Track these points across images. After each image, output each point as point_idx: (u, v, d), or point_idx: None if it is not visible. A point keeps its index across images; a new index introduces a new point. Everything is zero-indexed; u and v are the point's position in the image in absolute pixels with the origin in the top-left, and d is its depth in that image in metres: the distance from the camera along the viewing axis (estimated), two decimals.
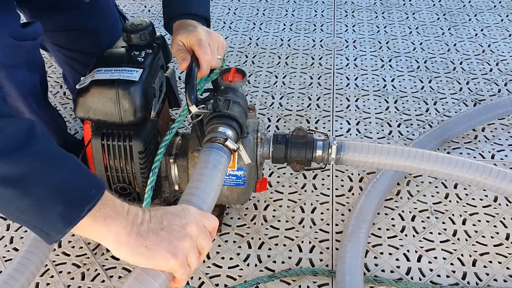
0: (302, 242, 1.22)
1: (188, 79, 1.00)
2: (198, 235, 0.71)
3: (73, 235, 1.25)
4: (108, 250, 1.21)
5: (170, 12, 1.11)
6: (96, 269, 1.18)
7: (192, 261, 0.70)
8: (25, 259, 1.02)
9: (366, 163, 1.09)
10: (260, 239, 1.23)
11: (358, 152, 1.08)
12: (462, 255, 1.18)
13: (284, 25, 2.08)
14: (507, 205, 1.29)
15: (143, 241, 0.68)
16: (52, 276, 1.16)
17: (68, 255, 1.21)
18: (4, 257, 1.21)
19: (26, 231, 1.27)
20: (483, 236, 1.22)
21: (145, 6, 2.23)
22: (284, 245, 1.22)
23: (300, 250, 1.20)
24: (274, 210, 1.30)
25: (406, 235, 1.23)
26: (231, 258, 1.19)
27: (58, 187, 0.65)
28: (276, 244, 1.22)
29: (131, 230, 0.68)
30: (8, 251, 1.22)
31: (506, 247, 1.19)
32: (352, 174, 1.39)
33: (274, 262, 1.18)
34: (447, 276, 1.14)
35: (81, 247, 1.23)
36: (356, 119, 1.58)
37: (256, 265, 1.18)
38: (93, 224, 0.67)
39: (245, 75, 1.13)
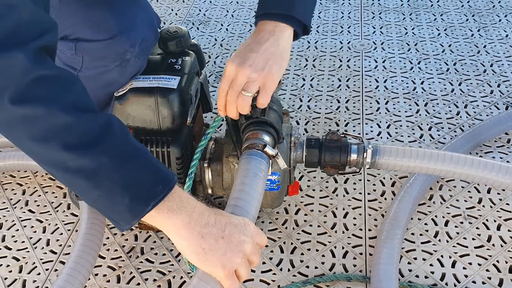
0: (335, 247, 1.22)
1: None
2: (251, 253, 0.74)
3: (108, 237, 1.27)
4: (142, 253, 1.23)
5: (258, 10, 0.96)
6: (131, 272, 1.19)
7: (242, 274, 0.74)
8: (76, 264, 1.08)
9: (402, 167, 1.09)
10: (292, 243, 1.24)
11: (394, 156, 1.08)
12: (497, 261, 1.17)
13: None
14: None
15: (202, 242, 0.71)
16: (89, 279, 1.18)
17: (103, 257, 1.23)
18: (41, 259, 1.24)
19: (62, 233, 1.29)
20: None
21: (172, 10, 2.25)
22: (317, 250, 1.22)
23: (333, 256, 1.20)
24: (306, 214, 1.31)
25: (439, 240, 1.23)
26: (263, 263, 1.20)
27: (126, 182, 0.69)
28: (309, 249, 1.22)
29: (193, 228, 0.71)
30: (45, 253, 1.25)
31: None
32: (384, 178, 1.39)
33: (307, 267, 1.18)
34: (483, 283, 1.13)
35: (116, 250, 1.25)
36: (386, 122, 1.57)
37: (289, 270, 1.18)
38: (157, 215, 0.71)
39: (279, 81, 1.13)
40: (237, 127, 1.04)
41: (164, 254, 1.23)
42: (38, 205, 1.37)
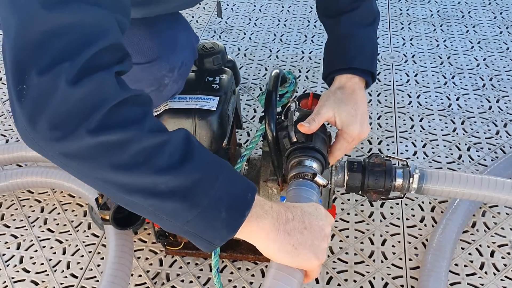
0: (374, 278, 1.15)
1: (268, 107, 0.94)
2: (330, 233, 0.73)
3: None
4: (168, 279, 1.16)
5: (331, 64, 1.02)
6: None
7: (324, 259, 0.72)
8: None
9: (450, 193, 1.01)
10: (327, 273, 1.16)
11: (442, 182, 1.00)
12: None
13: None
14: None
15: (290, 239, 0.69)
16: None
17: (127, 283, 1.16)
18: (61, 283, 1.17)
19: (82, 256, 1.22)
20: None
21: (193, 17, 2.18)
22: (355, 281, 1.14)
23: (372, 287, 1.13)
24: (341, 241, 1.23)
25: (486, 272, 1.15)
26: None
27: (222, 195, 0.65)
28: (346, 280, 1.15)
29: (279, 228, 0.69)
30: (66, 277, 1.18)
31: None
32: (422, 202, 1.31)
33: None
34: None
35: (140, 275, 1.18)
36: (422, 141, 1.50)
37: None
38: (247, 224, 0.67)
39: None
40: (279, 151, 0.97)
41: (191, 282, 1.16)
42: (58, 224, 1.31)
